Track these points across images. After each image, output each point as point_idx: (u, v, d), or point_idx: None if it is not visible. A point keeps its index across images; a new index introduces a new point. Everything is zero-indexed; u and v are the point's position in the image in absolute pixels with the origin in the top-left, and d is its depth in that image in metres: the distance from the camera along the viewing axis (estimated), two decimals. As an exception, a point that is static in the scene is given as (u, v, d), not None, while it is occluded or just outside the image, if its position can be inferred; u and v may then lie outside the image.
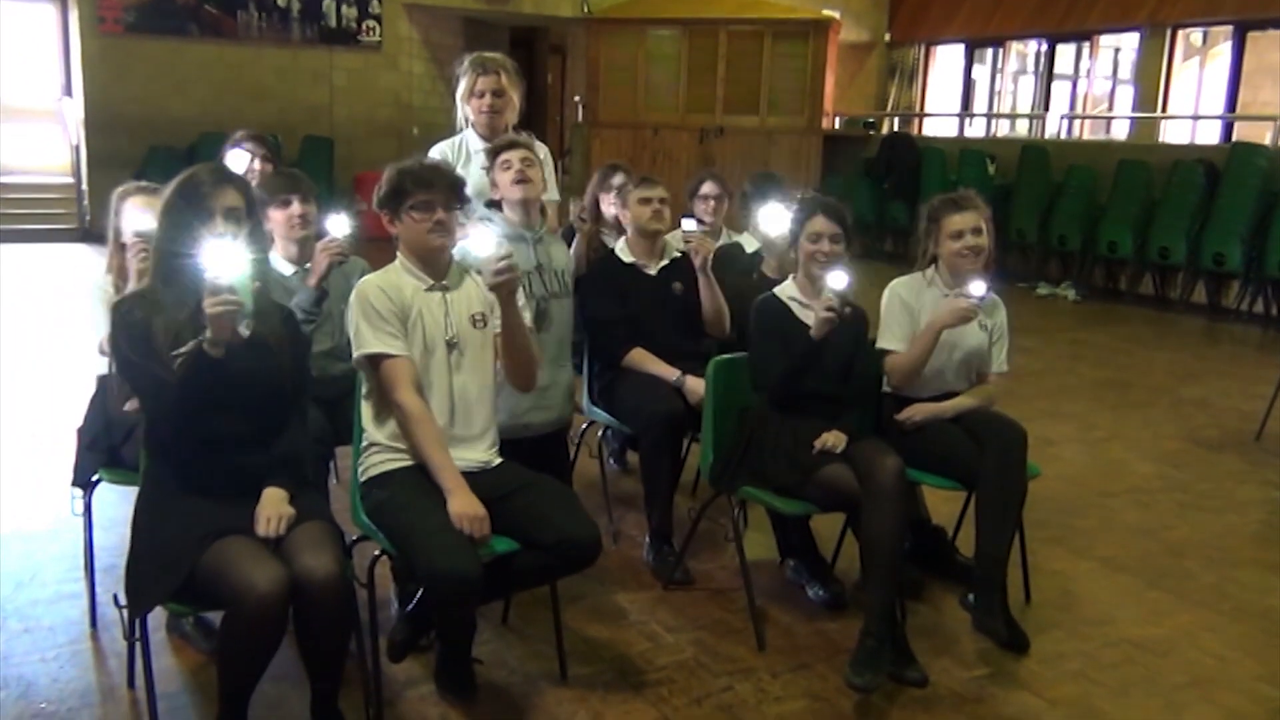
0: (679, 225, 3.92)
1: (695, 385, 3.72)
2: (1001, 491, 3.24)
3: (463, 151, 4.03)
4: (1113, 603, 3.67)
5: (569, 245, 4.61)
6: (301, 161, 12.45)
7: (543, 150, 4.01)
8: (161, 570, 2.42)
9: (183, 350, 2.38)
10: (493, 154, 3.58)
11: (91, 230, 12.00)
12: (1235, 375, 7.54)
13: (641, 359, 3.88)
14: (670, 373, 3.82)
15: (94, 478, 3.21)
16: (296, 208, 3.47)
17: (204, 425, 2.50)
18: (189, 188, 2.53)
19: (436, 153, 4.01)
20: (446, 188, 2.87)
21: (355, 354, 2.83)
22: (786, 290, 3.51)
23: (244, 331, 2.54)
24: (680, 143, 13.97)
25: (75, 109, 12.44)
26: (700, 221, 4.09)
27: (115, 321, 2.53)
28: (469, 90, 3.99)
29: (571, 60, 16.03)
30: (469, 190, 4.05)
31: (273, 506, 2.48)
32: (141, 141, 11.97)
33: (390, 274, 2.90)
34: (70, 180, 12.58)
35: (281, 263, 3.54)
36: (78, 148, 12.40)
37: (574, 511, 2.78)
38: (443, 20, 14.16)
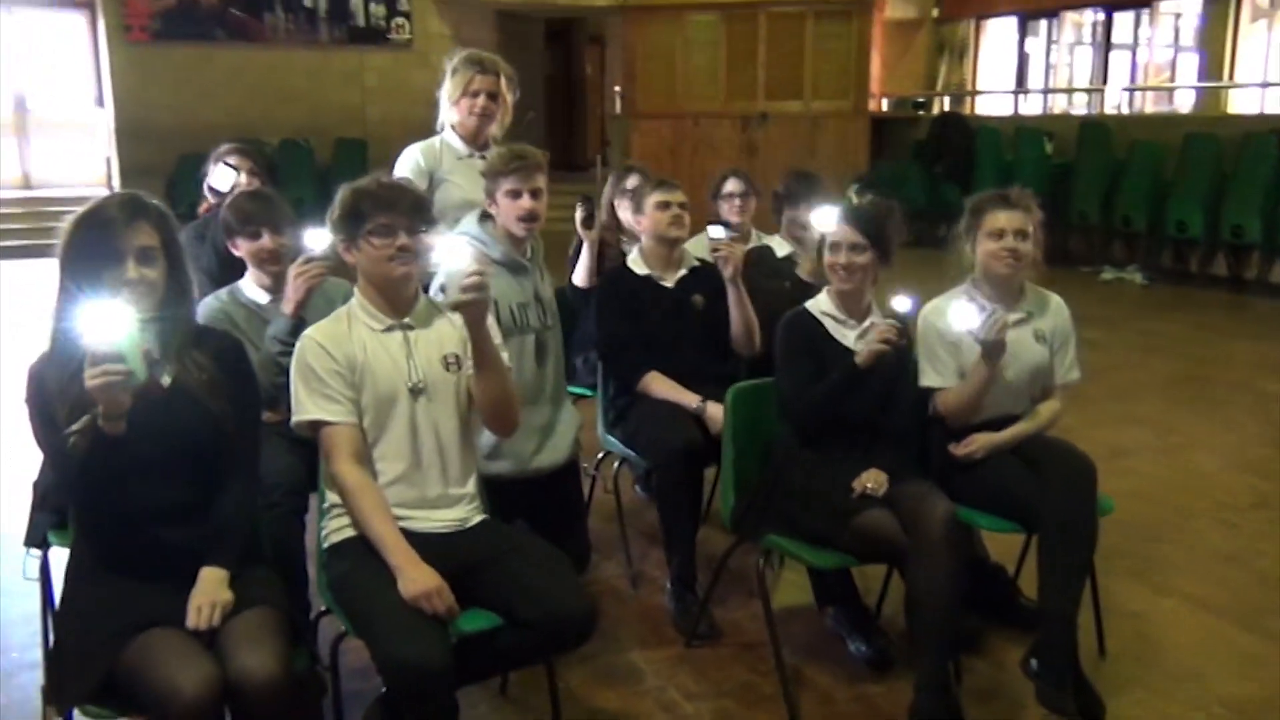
0: (711, 229, 3.53)
1: (717, 413, 3.32)
2: (1067, 538, 2.78)
3: (443, 156, 3.68)
4: (1200, 651, 3.22)
5: (575, 260, 4.23)
6: (335, 165, 12.23)
7: None
8: (80, 666, 2.08)
9: (75, 429, 2.03)
10: (496, 174, 3.19)
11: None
12: (1323, 365, 6.96)
13: (658, 384, 3.48)
14: (690, 399, 3.42)
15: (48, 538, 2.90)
16: (266, 241, 3.14)
17: (120, 497, 2.15)
18: (96, 223, 2.16)
19: (409, 158, 3.66)
20: (409, 209, 2.49)
21: (293, 419, 2.48)
22: (820, 305, 3.09)
23: (164, 381, 2.19)
24: (722, 132, 13.53)
25: (107, 119, 12.31)
26: (728, 226, 3.68)
27: (28, 382, 2.18)
28: (461, 89, 3.67)
29: (611, 50, 15.63)
30: (448, 201, 3.71)
31: (206, 593, 2.12)
32: (172, 150, 11.76)
33: (337, 322, 2.54)
34: (105, 192, 12.45)
35: (255, 290, 3.21)
36: (109, 159, 12.27)
37: (564, 581, 2.39)
38: (474, 14, 13.83)
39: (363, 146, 12.82)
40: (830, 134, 13.29)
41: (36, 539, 2.94)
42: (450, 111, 3.72)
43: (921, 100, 14.87)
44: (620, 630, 3.31)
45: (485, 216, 3.25)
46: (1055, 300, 3.22)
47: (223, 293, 3.28)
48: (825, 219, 3.36)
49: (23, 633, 3.31)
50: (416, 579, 2.26)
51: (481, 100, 3.66)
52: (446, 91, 3.71)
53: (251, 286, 3.23)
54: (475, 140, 3.72)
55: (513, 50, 15.06)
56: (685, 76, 13.62)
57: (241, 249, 3.22)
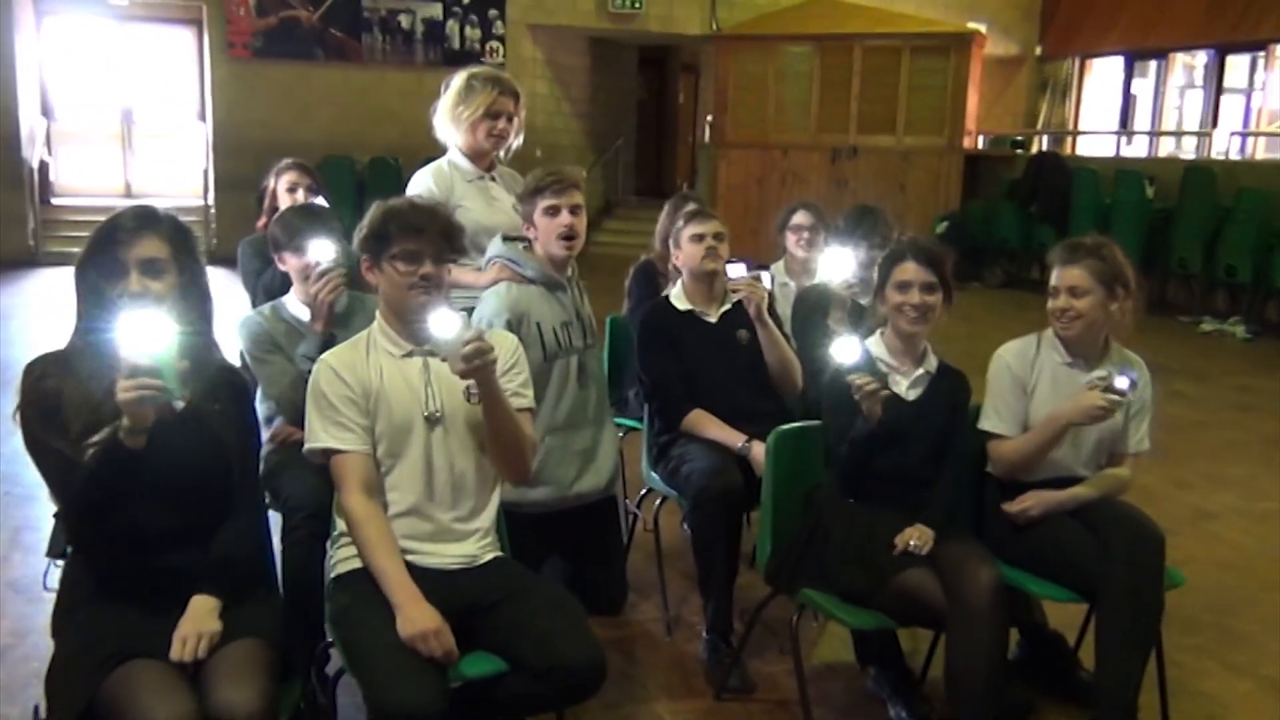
0: (730, 268, 3.36)
1: (762, 454, 3.17)
2: (1128, 612, 2.56)
3: (454, 181, 3.55)
4: (1278, 743, 2.95)
5: (643, 290, 4.10)
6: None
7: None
8: (66, 692, 2.02)
9: (95, 439, 1.98)
10: (533, 193, 3.13)
11: (218, 253, 12.10)
12: None
13: (702, 422, 3.34)
14: (735, 438, 3.27)
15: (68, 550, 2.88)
16: (311, 256, 3.10)
17: (122, 518, 2.09)
18: (104, 235, 2.13)
19: (420, 184, 3.54)
20: (438, 236, 2.39)
21: (305, 446, 2.41)
22: (871, 349, 2.93)
23: (177, 404, 2.14)
24: (811, 164, 13.33)
25: (206, 133, 12.62)
26: (749, 264, 3.49)
27: (24, 387, 2.12)
28: (482, 109, 3.49)
29: (704, 79, 15.58)
30: (468, 224, 3.63)
31: (194, 623, 2.05)
32: (265, 165, 11.99)
33: (355, 347, 2.45)
34: (202, 203, 12.75)
35: (298, 306, 3.18)
36: (206, 171, 12.57)
37: (574, 629, 2.26)
38: (568, 40, 13.90)
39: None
40: (922, 170, 13.01)
41: (58, 549, 2.90)
42: (459, 133, 3.55)
43: (1020, 139, 14.51)
44: (649, 678, 3.16)
45: (509, 239, 3.16)
46: (1139, 367, 2.99)
47: (265, 308, 3.25)
48: (834, 263, 3.21)
49: (47, 643, 3.27)
50: (415, 619, 2.15)
51: (501, 123, 3.52)
52: (459, 112, 3.52)
53: (295, 302, 3.20)
54: (482, 162, 3.59)
55: (605, 76, 15.16)
56: (776, 107, 13.45)
57: (288, 263, 3.19)
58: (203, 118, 12.98)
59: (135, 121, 13.27)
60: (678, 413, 3.38)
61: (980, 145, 14.05)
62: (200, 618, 2.06)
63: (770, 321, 3.37)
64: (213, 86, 12.30)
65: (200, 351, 2.20)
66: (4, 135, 11.40)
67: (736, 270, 3.35)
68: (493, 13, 12.97)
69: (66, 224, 12.00)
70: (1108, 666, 2.56)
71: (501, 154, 3.67)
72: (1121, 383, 2.69)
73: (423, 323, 2.31)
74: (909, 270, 2.84)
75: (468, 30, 12.92)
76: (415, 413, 2.38)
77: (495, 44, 13.05)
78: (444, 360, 2.30)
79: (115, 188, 13.13)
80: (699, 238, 3.39)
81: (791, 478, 2.92)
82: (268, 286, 3.71)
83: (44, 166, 12.16)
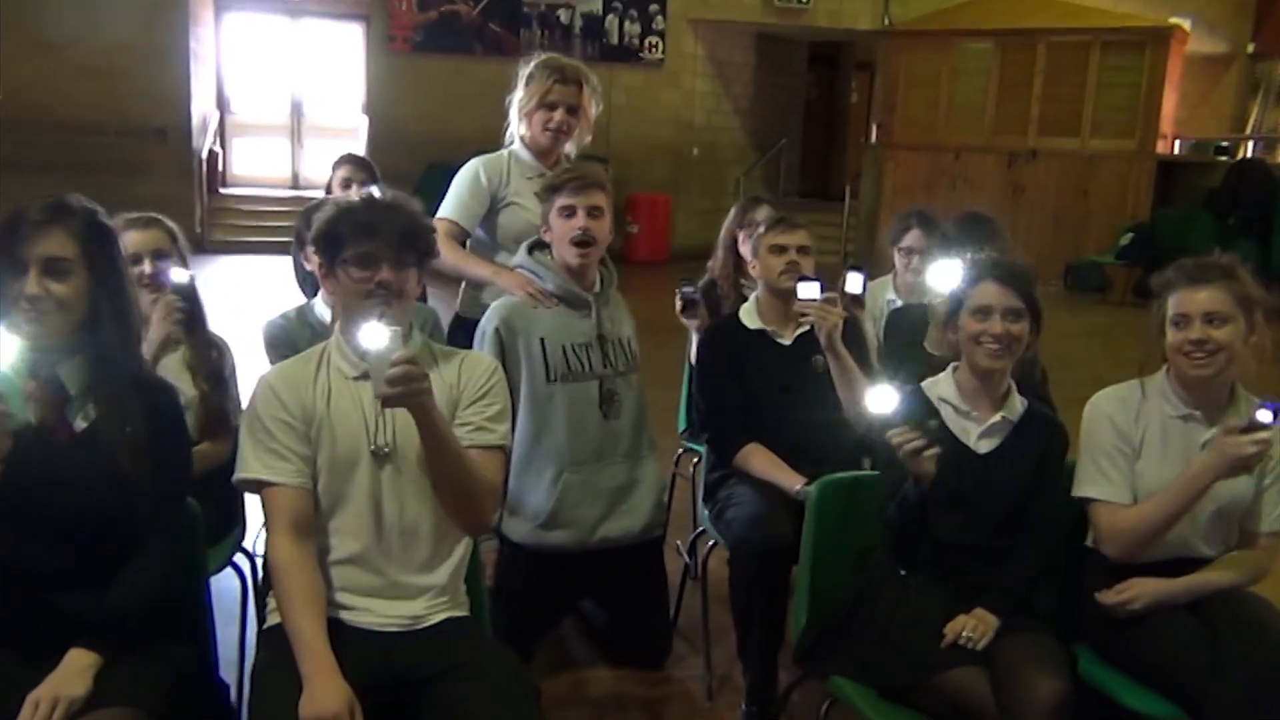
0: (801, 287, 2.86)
1: (821, 501, 2.70)
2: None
3: (510, 173, 3.24)
4: None
5: (700, 314, 3.59)
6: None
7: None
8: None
9: None
10: (550, 190, 2.78)
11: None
12: None
13: (756, 458, 2.90)
14: (792, 480, 2.81)
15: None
16: None
17: (6, 553, 1.83)
18: (8, 225, 1.86)
19: (469, 172, 3.25)
20: (397, 237, 2.04)
21: (235, 475, 2.08)
22: (938, 388, 2.42)
23: (76, 425, 1.87)
24: (985, 167, 12.49)
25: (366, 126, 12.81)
26: (824, 285, 2.95)
27: None
28: (536, 98, 3.20)
29: (879, 77, 14.89)
30: (513, 225, 3.27)
31: (55, 684, 1.75)
32: (421, 159, 12.04)
33: (304, 364, 2.11)
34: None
35: (325, 309, 2.92)
36: (367, 164, 12.73)
37: (518, 716, 1.88)
38: (732, 36, 13.47)
39: (603, 163, 12.69)
40: (1108, 176, 11.97)
41: None
42: (521, 123, 3.27)
43: (1226, 144, 13.22)
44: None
45: (539, 245, 2.83)
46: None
47: (292, 310, 3.03)
48: (945, 276, 2.67)
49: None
50: (319, 698, 1.80)
51: (559, 114, 3.20)
52: (518, 100, 3.26)
53: (322, 305, 2.95)
54: (547, 159, 3.27)
55: (770, 73, 14.66)
56: (949, 107, 12.67)
57: (313, 262, 2.93)
58: (367, 111, 13.18)
59: (305, 115, 13.59)
60: (730, 446, 2.95)
61: (1178, 150, 12.86)
62: (66, 677, 1.76)
63: (843, 351, 2.87)
64: (372, 81, 12.44)
65: (108, 366, 1.92)
66: (176, 126, 11.81)
67: (809, 290, 2.85)
68: (653, 8, 12.67)
69: (234, 212, 12.37)
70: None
71: (571, 149, 3.34)
72: (1264, 415, 2.12)
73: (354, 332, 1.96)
74: (989, 293, 2.33)
75: (627, 25, 12.66)
76: (362, 445, 2.04)
77: (655, 39, 12.75)
78: (366, 376, 1.94)
79: (283, 178, 13.49)
80: (780, 249, 2.94)
81: (838, 536, 2.45)
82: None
83: (213, 156, 12.55)
